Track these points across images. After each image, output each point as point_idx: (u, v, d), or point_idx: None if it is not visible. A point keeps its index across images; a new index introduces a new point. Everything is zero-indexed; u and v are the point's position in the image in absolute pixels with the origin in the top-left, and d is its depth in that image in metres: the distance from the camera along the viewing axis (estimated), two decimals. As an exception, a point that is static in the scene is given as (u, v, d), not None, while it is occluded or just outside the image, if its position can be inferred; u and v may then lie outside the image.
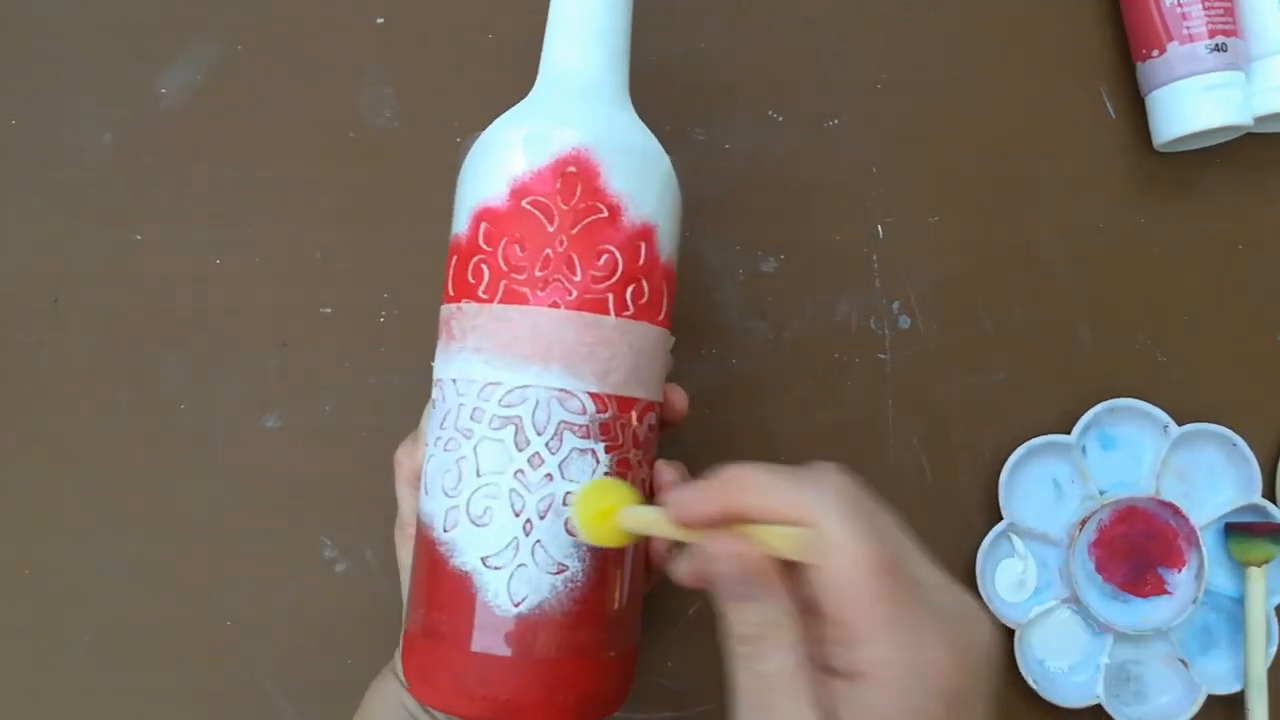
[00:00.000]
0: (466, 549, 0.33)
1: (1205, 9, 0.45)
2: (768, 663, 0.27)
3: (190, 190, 0.46)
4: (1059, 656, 0.45)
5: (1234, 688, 0.45)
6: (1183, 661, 0.45)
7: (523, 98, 0.46)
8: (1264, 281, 0.48)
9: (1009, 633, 0.45)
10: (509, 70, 0.47)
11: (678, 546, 0.32)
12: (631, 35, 0.37)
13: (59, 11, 0.46)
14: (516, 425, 0.33)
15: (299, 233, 0.46)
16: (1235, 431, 0.45)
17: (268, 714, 0.44)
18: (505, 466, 0.33)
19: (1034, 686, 0.44)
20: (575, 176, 0.34)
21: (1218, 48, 0.44)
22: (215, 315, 0.45)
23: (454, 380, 0.34)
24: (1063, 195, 0.48)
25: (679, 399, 0.37)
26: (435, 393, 0.36)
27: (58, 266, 0.45)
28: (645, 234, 0.35)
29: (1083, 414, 0.45)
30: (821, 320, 0.46)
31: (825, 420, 0.46)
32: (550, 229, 0.34)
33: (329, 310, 0.45)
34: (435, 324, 0.45)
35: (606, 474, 0.34)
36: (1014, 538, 0.45)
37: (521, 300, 0.33)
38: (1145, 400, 0.45)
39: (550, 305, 0.33)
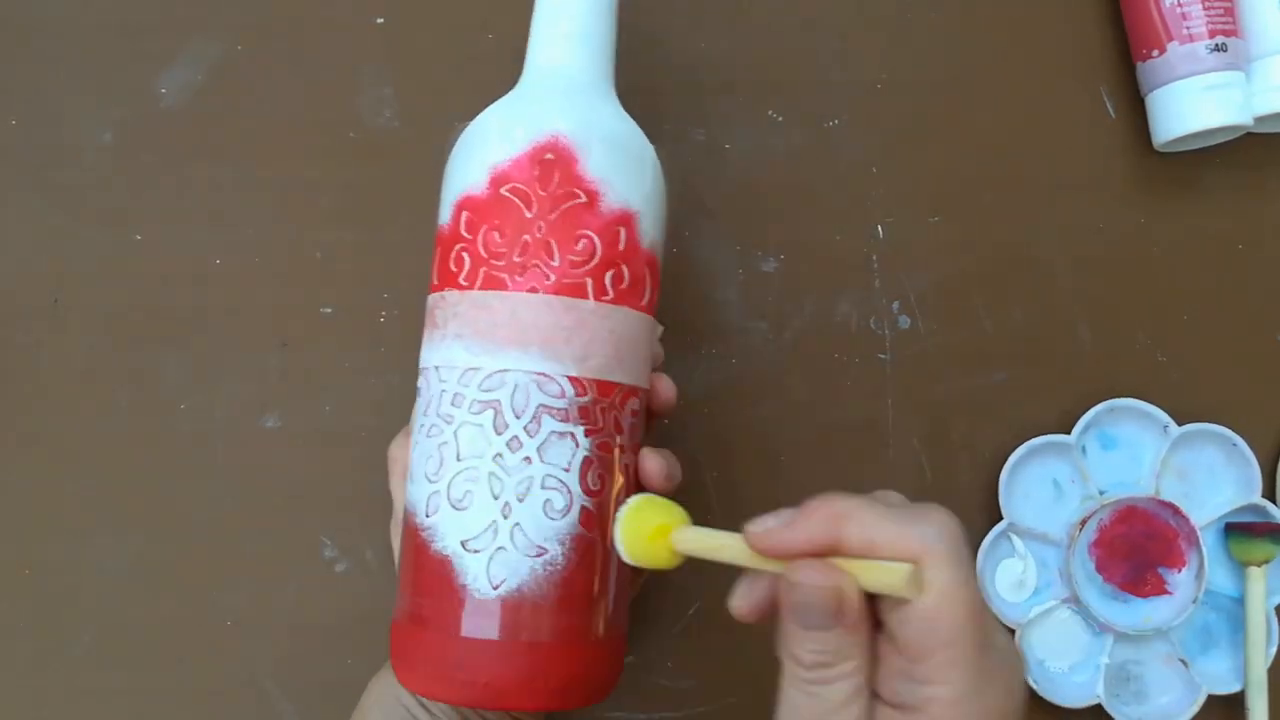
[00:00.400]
0: (447, 533, 0.33)
1: (1205, 9, 0.45)
2: (832, 690, 0.28)
3: (190, 190, 0.46)
4: (1059, 656, 0.45)
5: (1234, 688, 0.45)
6: (1183, 661, 0.45)
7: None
8: (1264, 281, 0.48)
9: (1009, 633, 0.45)
10: (509, 70, 0.47)
11: (739, 573, 0.32)
12: (619, 29, 0.38)
13: (59, 11, 0.46)
14: (495, 409, 0.33)
15: (299, 233, 0.46)
16: (1235, 431, 0.45)
17: (268, 714, 0.44)
18: (484, 450, 0.33)
19: (1034, 686, 0.44)
20: (553, 163, 0.34)
21: (1218, 48, 0.44)
22: (215, 315, 0.45)
23: (436, 368, 0.35)
24: (1063, 195, 0.48)
25: (666, 388, 0.37)
26: (420, 382, 0.36)
27: (58, 266, 0.45)
28: (625, 220, 0.35)
29: (1083, 414, 0.45)
30: (821, 320, 0.46)
31: (825, 420, 0.46)
32: (528, 215, 0.34)
33: (329, 310, 0.45)
34: (435, 324, 0.45)
35: (586, 457, 0.34)
36: (1014, 538, 0.45)
37: (500, 286, 0.34)
38: (1145, 400, 0.45)
39: (529, 290, 0.34)
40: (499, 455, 0.33)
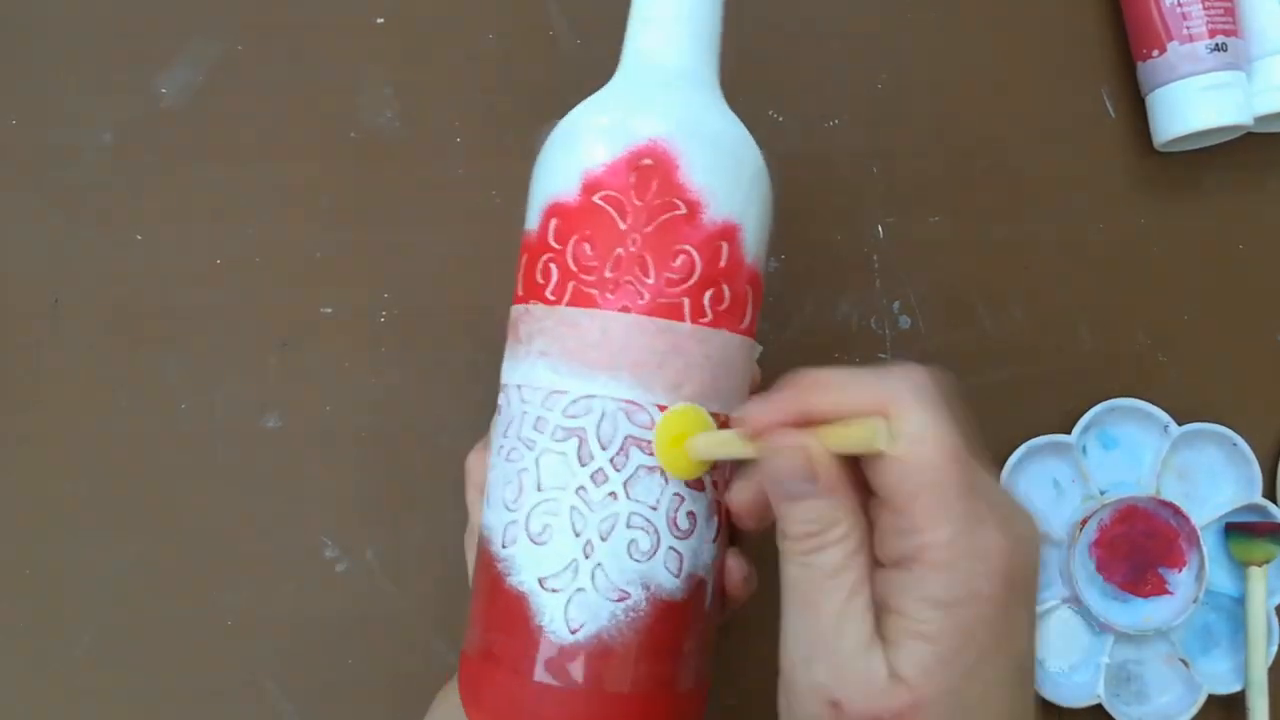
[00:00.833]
0: (524, 568, 0.31)
1: (1205, 9, 0.45)
2: (824, 557, 0.27)
3: (190, 190, 0.46)
4: (1059, 656, 0.45)
5: (1235, 687, 0.45)
6: (1183, 661, 0.45)
7: (521, 98, 0.47)
8: (1264, 281, 0.48)
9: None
10: (509, 70, 0.47)
11: (740, 473, 0.31)
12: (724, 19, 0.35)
13: (59, 11, 0.46)
14: (580, 437, 0.31)
15: (299, 233, 0.46)
16: (1235, 431, 0.45)
17: (268, 714, 0.44)
18: (567, 482, 0.31)
19: (1034, 686, 0.44)
20: (652, 170, 0.31)
21: (1218, 48, 0.44)
22: (215, 315, 0.45)
23: (519, 386, 0.32)
24: (1063, 195, 0.48)
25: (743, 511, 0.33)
26: (501, 399, 0.33)
27: (58, 266, 0.45)
28: (728, 233, 0.32)
29: (1083, 414, 0.45)
30: (821, 320, 0.46)
31: (825, 420, 0.46)
32: (622, 226, 0.31)
33: (329, 310, 0.45)
34: (435, 324, 0.45)
35: (677, 494, 0.31)
36: (1014, 538, 0.45)
37: (590, 303, 0.31)
38: (1145, 400, 0.45)
39: (620, 309, 0.31)
40: (582, 488, 0.31)
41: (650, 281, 0.31)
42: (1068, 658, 0.45)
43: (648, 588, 0.31)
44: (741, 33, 0.47)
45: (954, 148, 0.47)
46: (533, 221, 0.33)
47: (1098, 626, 0.45)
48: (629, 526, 0.31)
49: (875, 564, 0.28)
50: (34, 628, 0.44)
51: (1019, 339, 0.47)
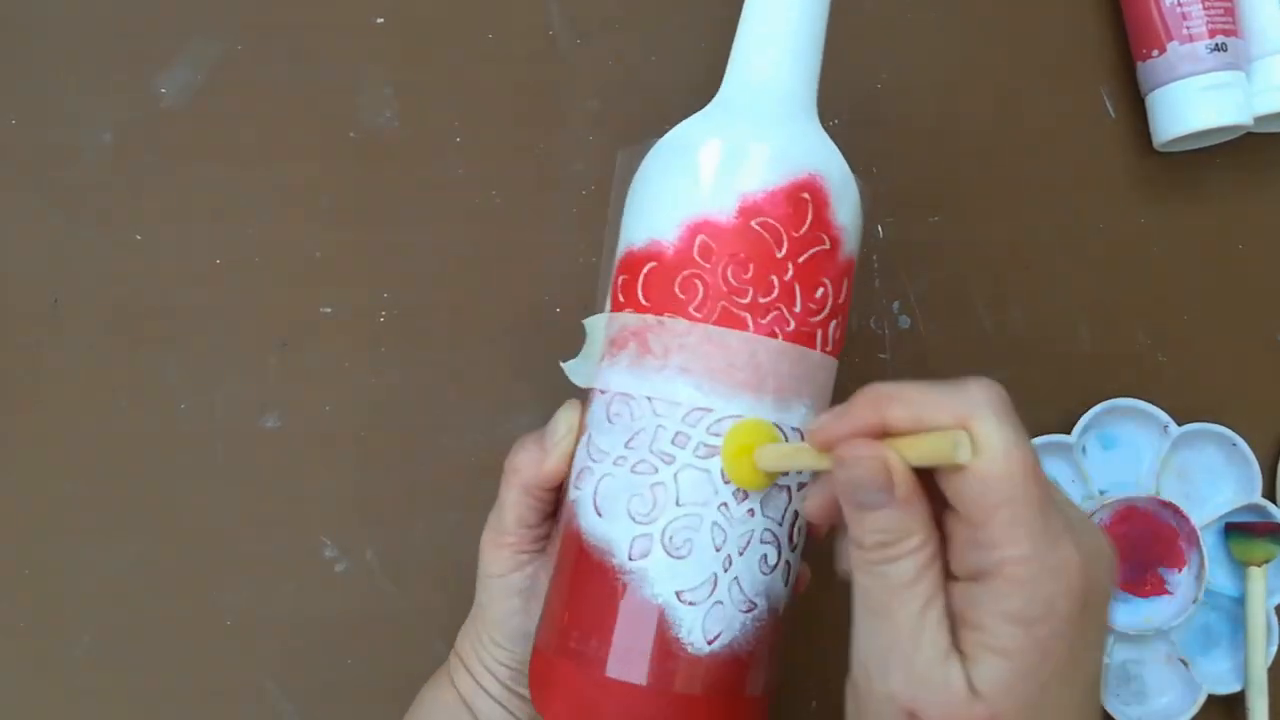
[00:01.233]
0: (659, 580, 0.31)
1: (1205, 9, 0.45)
2: (897, 569, 0.27)
3: (190, 190, 0.46)
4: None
5: (1234, 687, 0.45)
6: (1183, 661, 0.45)
7: (522, 99, 0.47)
8: (1264, 281, 0.48)
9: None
10: (509, 70, 0.47)
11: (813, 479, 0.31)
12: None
13: (59, 11, 0.46)
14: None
15: (299, 233, 0.46)
16: (1235, 431, 0.45)
17: (268, 714, 0.44)
18: (709, 498, 0.32)
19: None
20: (808, 204, 0.33)
21: (1218, 48, 0.44)
22: (215, 315, 0.45)
23: (649, 399, 0.32)
24: (1063, 195, 0.48)
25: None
26: (618, 407, 0.33)
27: (58, 266, 0.45)
28: (851, 269, 0.34)
29: (1083, 414, 0.45)
30: (821, 320, 0.46)
31: (825, 420, 0.46)
32: (779, 255, 0.32)
33: (329, 310, 0.45)
34: (435, 324, 0.45)
35: (795, 511, 0.33)
36: (1014, 538, 0.45)
37: (741, 325, 0.32)
38: (1145, 400, 0.45)
39: (769, 334, 0.32)
40: (724, 505, 0.32)
41: (797, 310, 0.32)
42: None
43: (768, 598, 0.32)
44: (741, 33, 0.48)
45: (954, 147, 0.47)
46: (668, 233, 0.33)
47: (1098, 626, 0.45)
48: (761, 542, 0.32)
49: (949, 576, 0.28)
50: (34, 628, 0.44)
51: (1019, 339, 0.47)
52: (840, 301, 0.34)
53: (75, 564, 0.44)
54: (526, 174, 0.46)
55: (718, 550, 0.32)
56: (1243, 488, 0.46)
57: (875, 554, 0.28)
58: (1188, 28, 0.45)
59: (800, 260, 0.32)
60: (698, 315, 0.32)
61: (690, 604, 0.31)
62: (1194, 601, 0.44)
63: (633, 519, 0.32)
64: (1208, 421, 0.46)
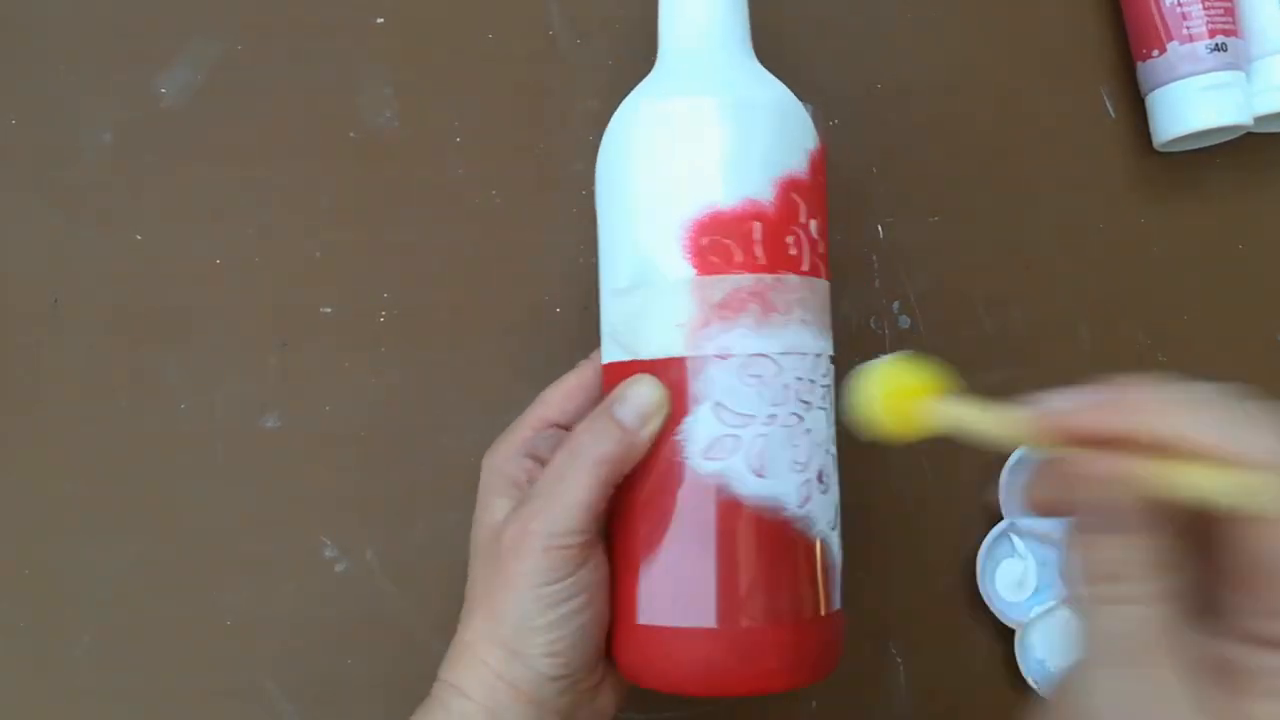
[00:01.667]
0: (819, 519, 0.35)
1: (1205, 9, 0.45)
2: (1124, 614, 0.24)
3: (190, 190, 0.46)
4: (1059, 656, 0.45)
5: (1234, 688, 0.45)
6: (1183, 661, 0.45)
7: (522, 99, 0.47)
8: (1264, 281, 0.48)
9: (1009, 633, 0.45)
10: (509, 70, 0.47)
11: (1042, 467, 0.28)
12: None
13: (59, 11, 0.46)
14: (829, 393, 0.36)
15: (299, 233, 0.46)
16: (1235, 431, 0.45)
17: (268, 714, 0.44)
18: (829, 434, 0.36)
19: (1035, 686, 0.44)
20: (821, 159, 0.37)
21: (1218, 48, 0.44)
22: (215, 315, 0.45)
23: (781, 354, 0.34)
24: (1063, 195, 0.48)
25: None
26: (755, 368, 0.33)
27: (58, 266, 0.45)
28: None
29: (1083, 414, 0.45)
30: (821, 320, 0.46)
31: (825, 420, 0.46)
32: (826, 208, 0.37)
33: (329, 310, 0.45)
34: (435, 324, 0.45)
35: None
36: (1014, 538, 0.45)
37: (822, 274, 0.36)
38: (1145, 400, 0.45)
39: (825, 277, 0.36)
40: (832, 438, 0.36)
41: (822, 250, 0.36)
42: (1068, 658, 0.45)
43: (837, 515, 0.37)
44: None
45: (954, 148, 0.47)
46: (763, 192, 0.34)
47: (1098, 626, 0.45)
48: (836, 465, 0.37)
49: (1215, 629, 0.25)
50: (34, 628, 0.44)
51: (1019, 339, 0.47)
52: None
53: (75, 564, 0.44)
54: (526, 174, 0.46)
55: (836, 482, 0.36)
56: (1243, 488, 0.45)
57: (1097, 589, 0.25)
58: (1188, 28, 0.45)
59: (822, 206, 0.36)
60: (805, 269, 0.35)
61: (834, 530, 0.36)
62: (1194, 601, 0.44)
63: (795, 469, 0.34)
64: (1208, 421, 0.45)
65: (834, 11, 0.48)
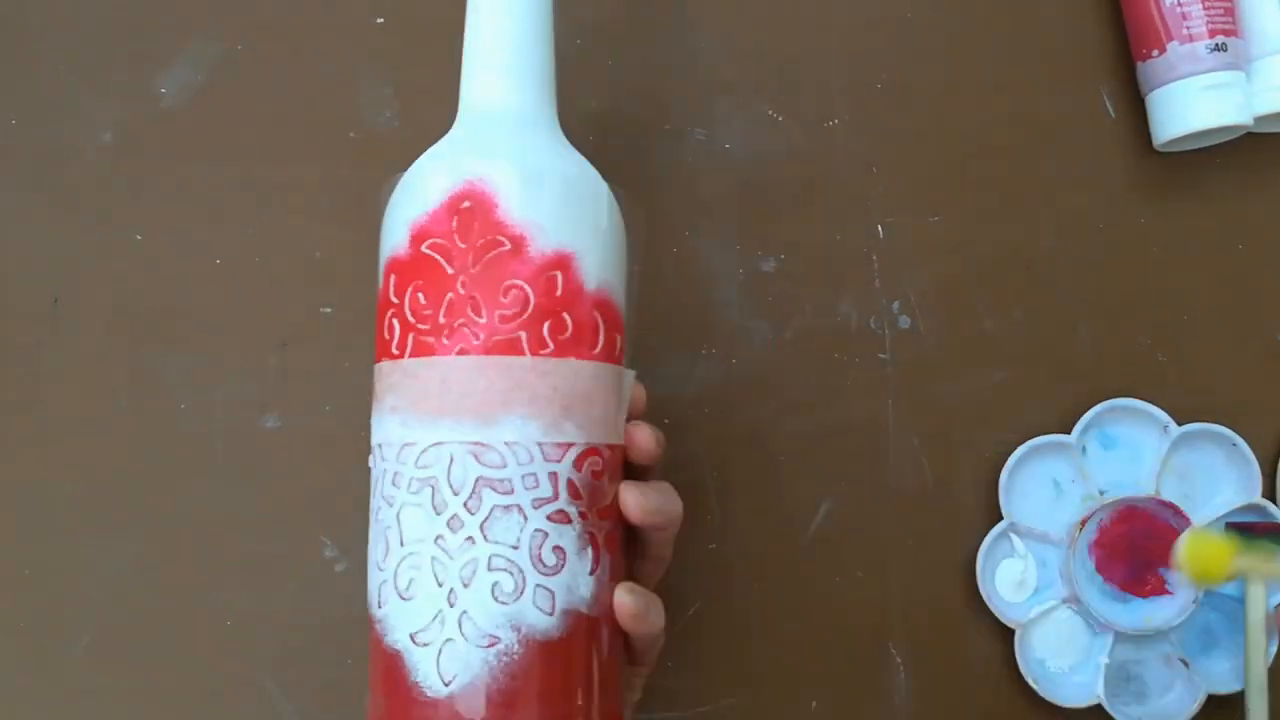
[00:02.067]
0: (396, 626, 0.31)
1: (1205, 9, 0.45)
2: None
3: (190, 190, 0.46)
4: (1059, 656, 0.45)
5: (1234, 688, 0.45)
6: (1183, 661, 0.45)
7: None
8: (1264, 281, 0.48)
9: (1009, 633, 0.45)
10: (509, 70, 0.47)
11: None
12: (556, 60, 0.36)
13: (59, 11, 0.46)
14: (433, 486, 0.31)
15: (299, 233, 0.46)
16: (1235, 431, 0.45)
17: (268, 714, 0.44)
18: (426, 533, 0.31)
19: (1034, 686, 0.44)
20: (471, 211, 0.32)
21: (1218, 47, 0.44)
22: (215, 315, 0.45)
23: (379, 445, 0.33)
24: (1063, 195, 0.48)
25: (644, 438, 0.34)
26: (370, 459, 0.34)
27: (58, 266, 0.45)
28: (560, 263, 0.32)
29: (1083, 414, 0.45)
30: (821, 320, 0.46)
31: (825, 420, 0.46)
32: (450, 271, 0.31)
33: (329, 310, 0.45)
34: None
35: (539, 530, 0.31)
36: (1014, 538, 0.45)
37: (429, 351, 0.31)
38: (1145, 400, 0.45)
39: (457, 353, 0.31)
40: (440, 537, 0.30)
41: (483, 321, 0.31)
42: (1067, 658, 0.45)
43: (518, 630, 0.30)
44: (741, 32, 0.48)
45: (954, 148, 0.47)
46: (379, 281, 0.34)
47: (1097, 627, 0.45)
48: (490, 569, 0.30)
49: None
50: (34, 628, 0.44)
51: (1019, 339, 0.47)
52: (558, 297, 0.32)
53: (75, 564, 0.44)
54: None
55: (440, 585, 0.30)
56: (1243, 488, 0.46)
57: None
58: (1188, 28, 0.45)
59: (474, 270, 0.31)
60: (397, 353, 0.32)
61: (423, 645, 0.30)
62: (1194, 601, 0.44)
63: (378, 567, 0.32)
64: (1208, 421, 0.46)
65: (834, 11, 0.48)
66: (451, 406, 0.31)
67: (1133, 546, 0.45)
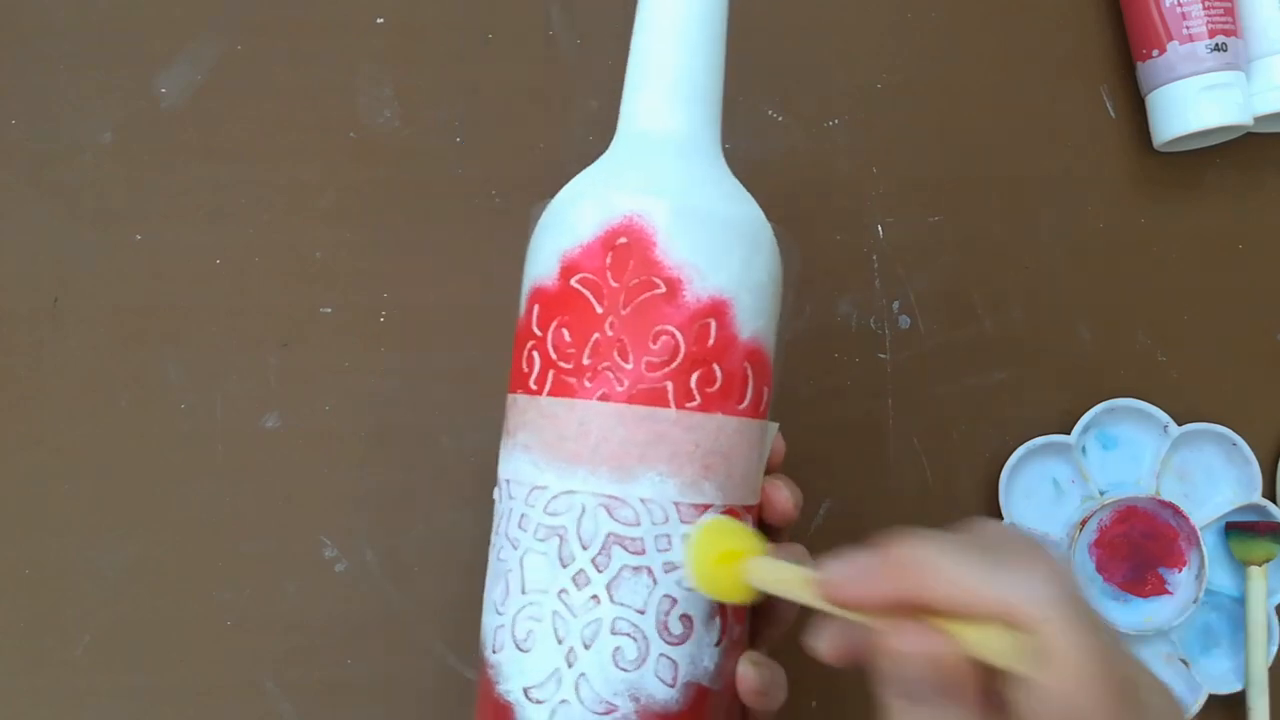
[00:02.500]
0: (510, 676, 0.29)
1: (1205, 9, 0.45)
2: None
3: (190, 190, 0.46)
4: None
5: (1235, 687, 0.45)
6: (1184, 661, 0.45)
7: (522, 99, 0.47)
8: (1264, 281, 0.48)
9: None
10: (509, 70, 0.47)
11: (815, 614, 0.27)
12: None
13: (59, 11, 0.46)
14: (561, 536, 0.29)
15: (299, 233, 0.46)
16: (1235, 431, 0.45)
17: (268, 714, 0.44)
18: (549, 584, 0.29)
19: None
20: (627, 249, 0.29)
21: (1218, 47, 0.44)
22: (215, 315, 0.45)
23: (507, 481, 0.31)
24: (1063, 195, 0.48)
25: (782, 499, 0.32)
26: (496, 492, 0.32)
27: (58, 266, 0.45)
28: (715, 310, 0.30)
29: (1083, 414, 0.45)
30: (821, 320, 0.46)
31: (825, 420, 0.46)
32: (599, 310, 0.29)
33: (329, 310, 0.45)
34: (435, 324, 0.46)
35: (666, 597, 0.29)
36: (1014, 538, 0.45)
37: (569, 392, 0.29)
38: (1145, 400, 0.45)
39: (599, 398, 0.29)
40: (564, 591, 0.29)
41: (629, 367, 0.29)
42: None
43: (637, 699, 0.29)
44: (741, 33, 0.48)
45: (954, 147, 0.47)
46: (521, 307, 0.32)
47: (1098, 626, 0.45)
48: (614, 633, 0.29)
49: None
50: (34, 628, 0.44)
51: (1019, 339, 0.47)
52: (709, 347, 0.30)
53: (75, 564, 0.44)
54: (526, 174, 0.46)
55: (560, 642, 0.29)
56: (1243, 488, 0.46)
57: None
58: (1188, 28, 0.45)
59: (624, 312, 0.29)
60: (535, 389, 0.30)
61: (537, 702, 0.29)
62: (1194, 601, 0.44)
63: (495, 610, 0.30)
64: (1208, 421, 0.46)
65: (834, 10, 0.48)
66: (588, 454, 0.29)
67: (1133, 546, 0.45)
